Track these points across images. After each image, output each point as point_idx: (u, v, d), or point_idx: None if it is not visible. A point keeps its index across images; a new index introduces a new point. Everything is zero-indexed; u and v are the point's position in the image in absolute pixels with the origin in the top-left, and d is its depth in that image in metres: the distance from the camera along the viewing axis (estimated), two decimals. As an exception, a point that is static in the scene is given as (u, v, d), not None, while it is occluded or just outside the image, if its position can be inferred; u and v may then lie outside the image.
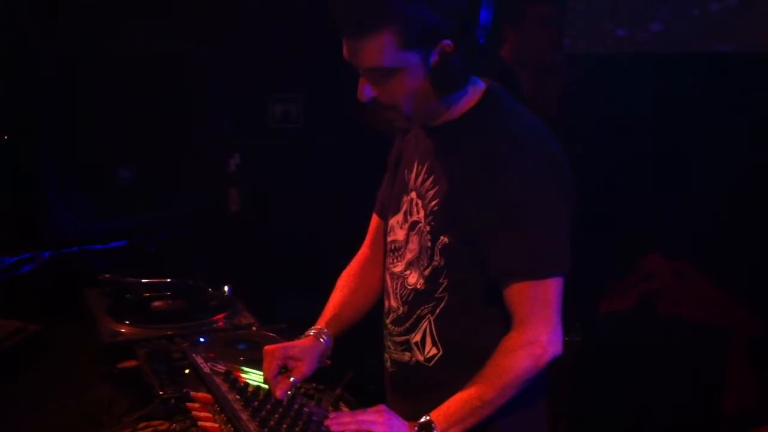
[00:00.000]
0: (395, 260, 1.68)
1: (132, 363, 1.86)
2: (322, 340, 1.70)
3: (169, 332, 2.02)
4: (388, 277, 1.71)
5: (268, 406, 1.51)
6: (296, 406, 1.53)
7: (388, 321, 1.71)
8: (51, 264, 2.98)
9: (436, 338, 1.61)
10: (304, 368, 1.62)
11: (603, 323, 3.32)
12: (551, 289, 1.48)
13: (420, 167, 1.62)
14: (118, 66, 3.57)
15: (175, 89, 3.71)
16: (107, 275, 2.35)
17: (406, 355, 1.67)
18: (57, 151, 3.52)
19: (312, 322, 1.76)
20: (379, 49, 1.41)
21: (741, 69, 3.40)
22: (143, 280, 2.35)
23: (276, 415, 1.48)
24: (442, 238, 1.55)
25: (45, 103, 3.47)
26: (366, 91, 1.50)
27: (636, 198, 4.00)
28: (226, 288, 2.32)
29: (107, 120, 3.59)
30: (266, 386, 1.60)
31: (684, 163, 3.86)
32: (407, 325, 1.65)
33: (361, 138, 3.16)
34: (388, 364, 1.74)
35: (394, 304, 1.68)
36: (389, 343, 1.72)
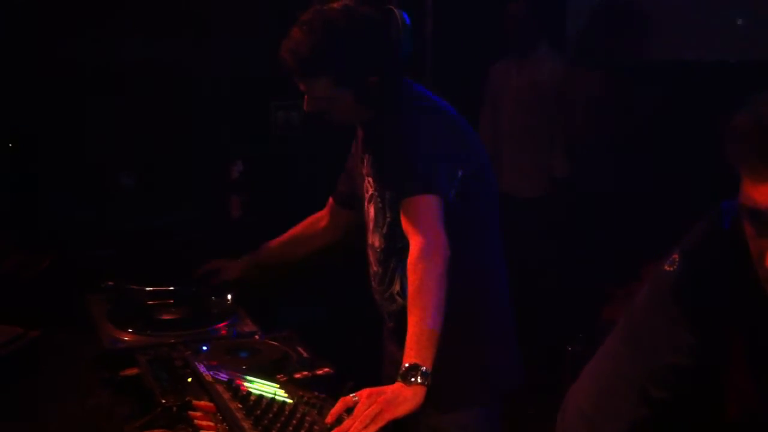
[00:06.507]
0: (369, 234, 2.06)
1: (133, 371, 1.85)
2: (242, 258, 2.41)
3: (171, 340, 2.01)
4: (368, 250, 2.08)
5: (270, 415, 1.51)
6: (299, 415, 1.53)
7: (374, 284, 2.08)
8: (52, 270, 2.97)
9: None
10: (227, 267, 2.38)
11: (605, 331, 3.30)
12: (421, 203, 1.79)
13: (366, 157, 2.05)
14: (120, 72, 3.58)
15: (177, 97, 3.71)
16: (110, 282, 2.34)
17: (393, 306, 2.02)
18: (57, 156, 3.52)
19: (315, 329, 1.88)
20: (318, 87, 1.89)
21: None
22: (146, 288, 2.34)
23: (278, 425, 1.48)
24: (386, 194, 1.95)
25: (46, 108, 3.47)
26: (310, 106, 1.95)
27: (638, 203, 3.99)
28: (228, 296, 2.32)
29: (110, 126, 3.60)
30: (269, 395, 1.60)
31: (687, 170, 3.85)
32: (387, 281, 2.02)
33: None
34: (386, 319, 2.09)
35: (375, 268, 2.06)
36: (382, 301, 2.07)
